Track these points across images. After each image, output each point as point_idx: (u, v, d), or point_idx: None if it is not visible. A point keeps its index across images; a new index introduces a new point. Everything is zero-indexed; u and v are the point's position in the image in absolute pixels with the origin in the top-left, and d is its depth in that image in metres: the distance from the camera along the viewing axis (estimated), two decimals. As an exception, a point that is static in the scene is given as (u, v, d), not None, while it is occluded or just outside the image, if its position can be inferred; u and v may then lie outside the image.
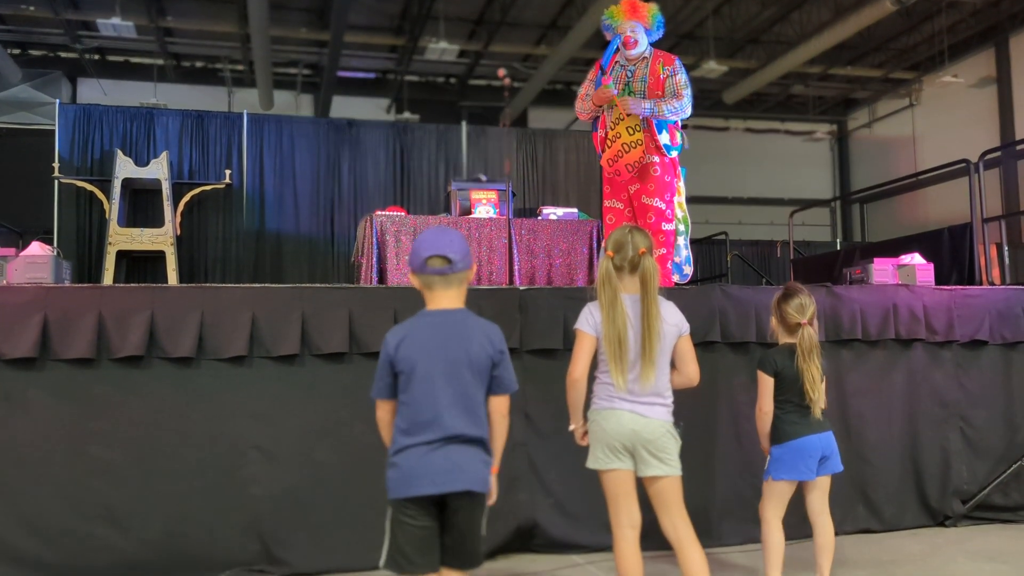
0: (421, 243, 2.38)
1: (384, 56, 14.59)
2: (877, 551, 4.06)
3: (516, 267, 6.28)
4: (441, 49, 12.17)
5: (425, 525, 2.24)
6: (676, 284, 4.83)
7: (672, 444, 2.79)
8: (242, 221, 8.95)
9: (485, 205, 6.81)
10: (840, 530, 4.19)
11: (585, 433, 2.89)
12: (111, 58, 14.26)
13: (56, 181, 8.33)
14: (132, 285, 3.91)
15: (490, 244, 6.45)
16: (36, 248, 4.47)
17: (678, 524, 2.77)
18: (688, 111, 4.69)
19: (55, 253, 4.54)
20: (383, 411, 2.40)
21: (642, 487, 2.80)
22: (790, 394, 3.26)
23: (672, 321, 2.84)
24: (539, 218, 6.93)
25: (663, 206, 4.73)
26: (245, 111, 9.43)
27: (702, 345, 4.01)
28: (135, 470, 3.64)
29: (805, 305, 3.28)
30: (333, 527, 3.77)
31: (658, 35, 4.81)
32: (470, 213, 6.77)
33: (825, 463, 3.27)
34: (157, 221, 8.13)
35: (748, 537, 3.94)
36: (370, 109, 14.91)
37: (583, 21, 11.58)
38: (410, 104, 14.49)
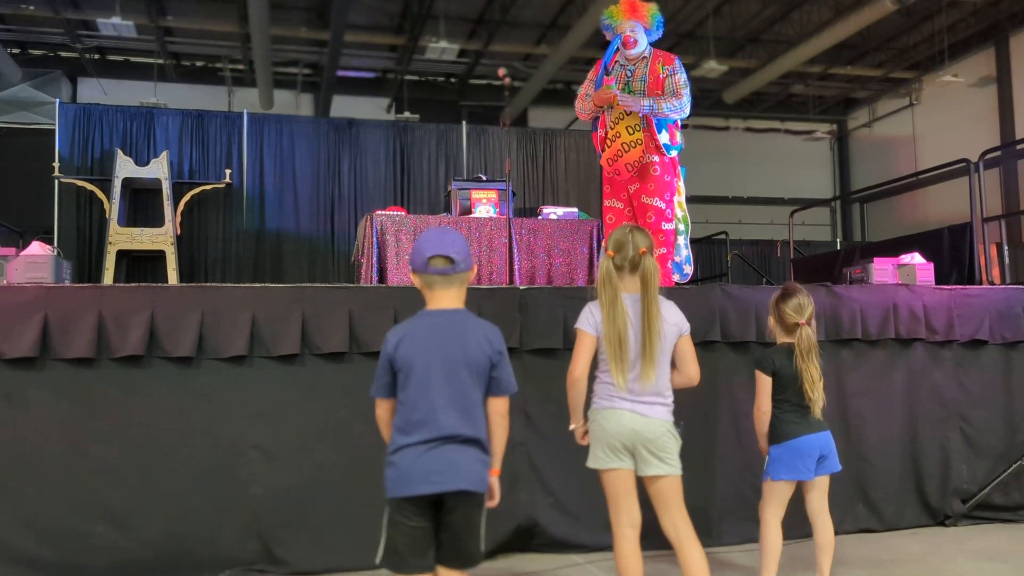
0: (423, 243, 2.39)
1: (384, 55, 14.58)
2: (877, 550, 4.06)
3: (516, 267, 6.28)
4: (441, 48, 12.16)
5: (420, 525, 2.25)
6: (676, 284, 4.83)
7: (672, 443, 2.79)
8: (242, 221, 8.96)
9: (485, 205, 6.81)
10: (840, 529, 4.19)
11: (585, 432, 2.89)
12: (111, 57, 14.25)
13: (56, 181, 8.34)
14: (132, 285, 3.92)
15: (490, 244, 6.45)
16: (36, 248, 4.47)
17: (678, 523, 2.77)
18: (687, 110, 4.69)
19: (55, 253, 4.54)
20: (382, 410, 2.40)
21: (642, 486, 2.81)
22: (788, 394, 3.26)
23: (672, 321, 2.84)
24: (539, 218, 6.93)
25: (663, 205, 4.73)
26: (245, 111, 9.43)
27: (702, 345, 4.02)
28: (135, 470, 3.64)
29: (803, 305, 3.28)
30: (333, 527, 3.77)
31: (658, 35, 4.81)
32: (470, 212, 6.77)
33: (823, 463, 3.28)
34: (157, 221, 8.13)
35: (748, 536, 3.94)
36: (370, 108, 14.91)
37: (583, 21, 11.57)
38: (410, 103, 14.48)
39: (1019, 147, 12.74)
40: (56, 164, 8.31)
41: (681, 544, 2.76)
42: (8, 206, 10.35)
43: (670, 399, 2.85)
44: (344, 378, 3.86)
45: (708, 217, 14.99)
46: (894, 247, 6.49)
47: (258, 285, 4.00)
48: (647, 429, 2.75)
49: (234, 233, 8.95)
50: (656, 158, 4.71)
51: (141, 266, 8.42)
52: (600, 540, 3.82)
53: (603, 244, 3.00)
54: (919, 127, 15.98)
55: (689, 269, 5.04)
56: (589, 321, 2.82)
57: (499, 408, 2.39)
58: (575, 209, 7.21)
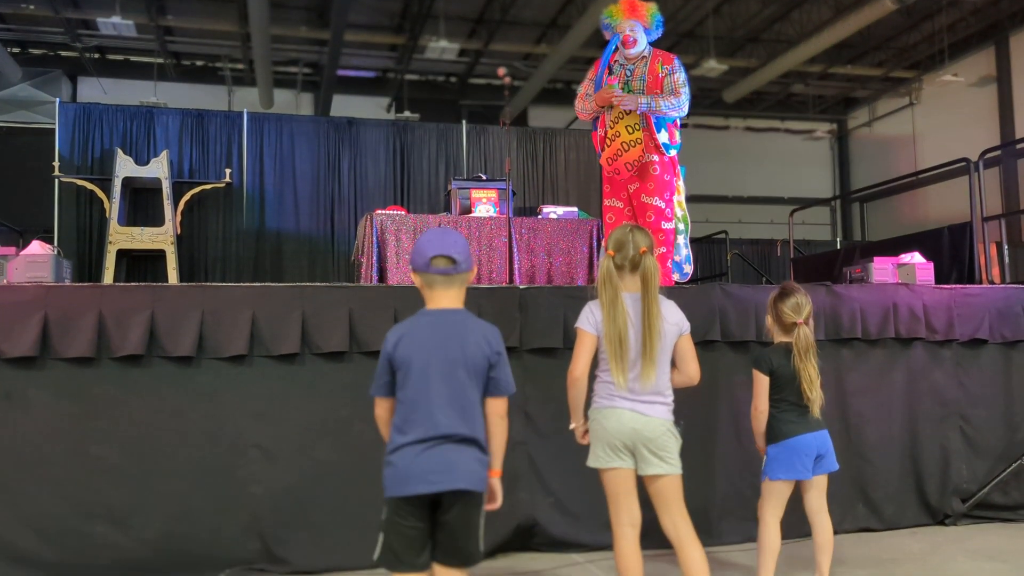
0: (425, 243, 2.39)
1: (384, 55, 14.58)
2: (877, 550, 4.06)
3: (516, 266, 6.28)
4: (441, 48, 12.16)
5: (416, 525, 2.26)
6: (676, 283, 4.83)
7: (672, 443, 2.79)
8: (242, 220, 8.96)
9: (485, 204, 6.81)
10: (840, 529, 4.20)
11: (585, 432, 2.89)
12: (111, 57, 14.25)
13: (56, 180, 8.33)
14: (132, 284, 3.92)
15: (490, 243, 6.45)
16: (36, 247, 4.47)
17: (678, 523, 2.77)
18: (685, 109, 4.69)
19: (55, 252, 4.54)
20: (382, 409, 2.41)
21: (642, 486, 2.81)
22: (786, 393, 3.26)
23: (673, 320, 2.84)
24: (539, 217, 6.93)
25: (663, 205, 4.73)
26: (245, 110, 9.43)
27: (702, 344, 4.02)
28: (135, 469, 3.64)
29: (801, 304, 3.28)
30: (333, 526, 3.77)
31: (657, 34, 4.81)
32: (470, 212, 6.77)
33: (821, 462, 3.27)
34: (157, 220, 8.13)
35: (748, 536, 3.94)
36: (370, 108, 14.91)
37: (583, 20, 11.58)
38: (410, 103, 14.49)
39: (1019, 146, 12.74)
40: (56, 163, 8.31)
41: (681, 543, 2.76)
42: (8, 205, 10.35)
43: (670, 398, 2.85)
44: (344, 377, 3.86)
45: (708, 216, 15.00)
46: (894, 246, 6.50)
47: (258, 284, 4.00)
48: (647, 428, 2.75)
49: (234, 232, 8.95)
50: (655, 157, 4.71)
51: (141, 265, 8.42)
52: (600, 539, 3.82)
53: (603, 243, 3.00)
54: (919, 126, 15.98)
55: (689, 268, 5.04)
56: (589, 320, 2.82)
57: (497, 409, 2.39)
58: (575, 208, 7.21)
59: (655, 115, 4.67)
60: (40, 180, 8.94)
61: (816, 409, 3.24)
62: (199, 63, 14.69)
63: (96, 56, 14.01)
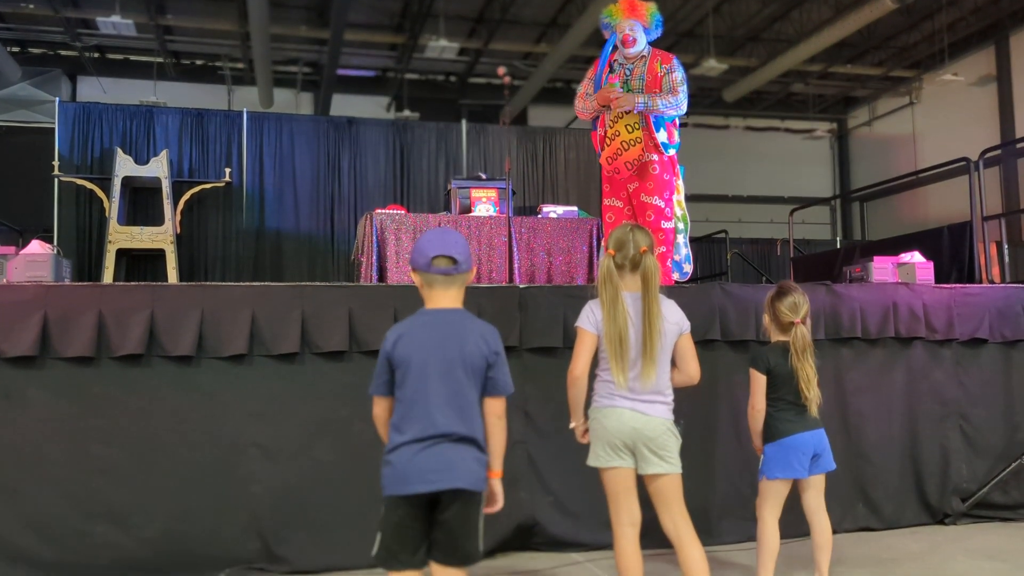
0: (427, 242, 2.40)
1: (384, 54, 14.58)
2: (877, 549, 4.06)
3: (516, 265, 6.28)
4: (441, 47, 12.16)
5: (413, 524, 2.26)
6: (676, 282, 4.83)
7: (673, 442, 2.79)
8: (242, 219, 8.95)
9: (485, 203, 6.81)
10: (840, 528, 4.20)
11: (585, 431, 2.89)
12: (111, 56, 14.24)
13: (56, 179, 8.33)
14: (132, 283, 3.91)
15: (490, 242, 6.44)
16: (36, 246, 4.47)
17: (678, 522, 2.77)
18: (684, 107, 4.69)
19: (55, 251, 4.54)
20: (380, 408, 2.41)
21: (642, 485, 2.81)
22: (783, 392, 3.26)
23: (673, 319, 2.84)
24: (539, 216, 6.93)
25: (662, 204, 4.73)
26: (245, 109, 9.43)
27: (702, 343, 4.02)
28: (135, 468, 3.64)
29: (799, 304, 3.27)
30: (333, 525, 3.77)
31: (656, 34, 4.81)
32: (470, 211, 6.77)
33: (817, 461, 3.27)
34: (157, 219, 8.13)
35: (748, 535, 3.93)
36: (370, 107, 14.90)
37: (583, 19, 11.57)
38: (410, 102, 14.49)
39: (1019, 146, 12.74)
40: (56, 163, 8.31)
41: (681, 542, 2.76)
42: (8, 205, 10.34)
43: (670, 397, 2.85)
44: (344, 377, 3.86)
45: (708, 216, 15.00)
46: (894, 246, 6.49)
47: (258, 284, 4.00)
48: (648, 427, 2.75)
49: (234, 232, 8.95)
50: (655, 157, 4.71)
51: (141, 265, 8.42)
52: (600, 539, 3.83)
53: (603, 243, 3.00)
54: (919, 126, 15.98)
55: (689, 268, 5.04)
56: (590, 319, 2.83)
57: (495, 409, 2.39)
58: (575, 208, 7.21)
59: (653, 114, 4.67)
60: (40, 179, 8.93)
61: (814, 408, 3.24)
62: (199, 62, 14.68)
63: (96, 55, 14.01)
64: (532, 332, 4.09)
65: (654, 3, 4.79)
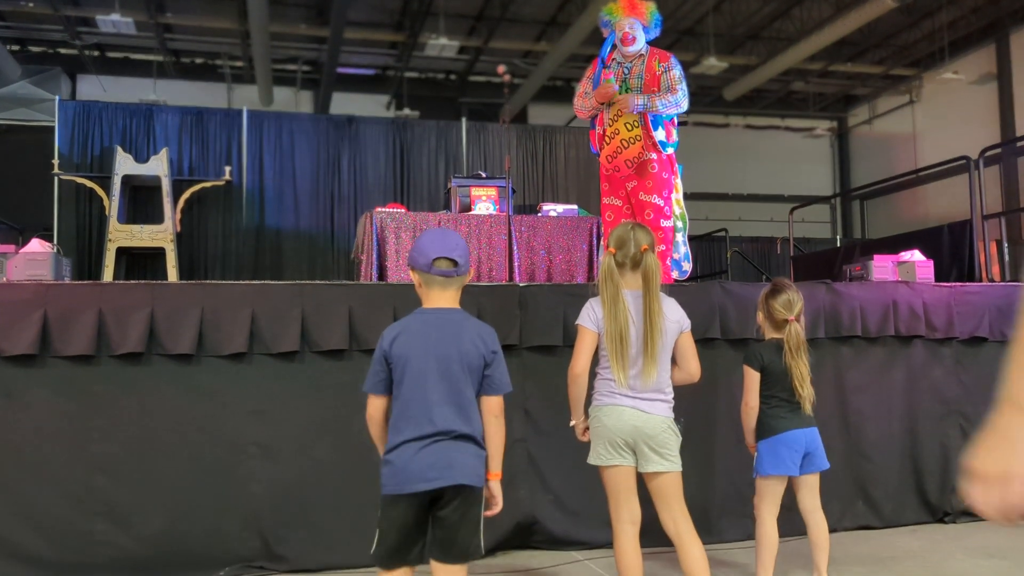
0: (428, 243, 2.40)
1: (384, 52, 14.57)
2: (876, 547, 4.07)
3: (516, 264, 6.28)
4: (441, 45, 12.15)
5: (412, 522, 2.27)
6: (676, 281, 4.83)
7: (673, 440, 2.80)
8: (242, 218, 8.95)
9: (485, 202, 6.81)
10: (840, 526, 4.20)
11: (586, 429, 2.89)
12: (111, 54, 14.23)
13: (56, 178, 8.33)
14: (132, 282, 3.91)
15: (490, 241, 6.44)
16: (36, 245, 4.47)
17: (678, 520, 2.78)
18: (684, 105, 4.69)
19: (55, 250, 4.54)
20: (374, 407, 2.40)
21: (642, 483, 2.81)
22: (776, 389, 3.26)
23: (673, 318, 2.84)
24: (539, 215, 6.92)
25: (661, 203, 4.73)
26: (245, 108, 9.42)
27: (702, 341, 4.02)
28: (135, 467, 3.64)
29: (793, 301, 3.27)
30: (333, 524, 3.77)
31: (655, 33, 4.82)
32: (470, 210, 6.77)
33: (810, 459, 3.25)
34: (157, 218, 8.13)
35: (748, 533, 3.94)
36: (370, 105, 14.89)
37: (583, 17, 11.56)
38: (410, 100, 14.48)
39: (1019, 144, 12.73)
40: (56, 161, 8.30)
41: (681, 540, 2.76)
42: (7, 203, 10.34)
43: (671, 395, 2.85)
44: (344, 375, 3.86)
45: (708, 214, 14.99)
46: (894, 244, 6.50)
47: (258, 282, 4.00)
48: (648, 425, 2.76)
49: (234, 230, 8.95)
50: (653, 155, 4.71)
51: (141, 263, 8.42)
52: (600, 537, 3.83)
53: (603, 241, 3.00)
54: (919, 124, 15.98)
55: (688, 266, 5.04)
56: (590, 317, 2.83)
57: (493, 407, 2.40)
58: (575, 206, 7.20)
59: (653, 114, 4.67)
60: (39, 178, 8.92)
61: (807, 406, 3.24)
62: (198, 61, 14.67)
63: (96, 54, 14.00)
64: (532, 331, 4.09)
65: (654, 2, 4.79)
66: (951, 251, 6.26)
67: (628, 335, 2.75)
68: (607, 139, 4.78)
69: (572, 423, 2.92)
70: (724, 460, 4.21)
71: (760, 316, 3.41)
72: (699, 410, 4.03)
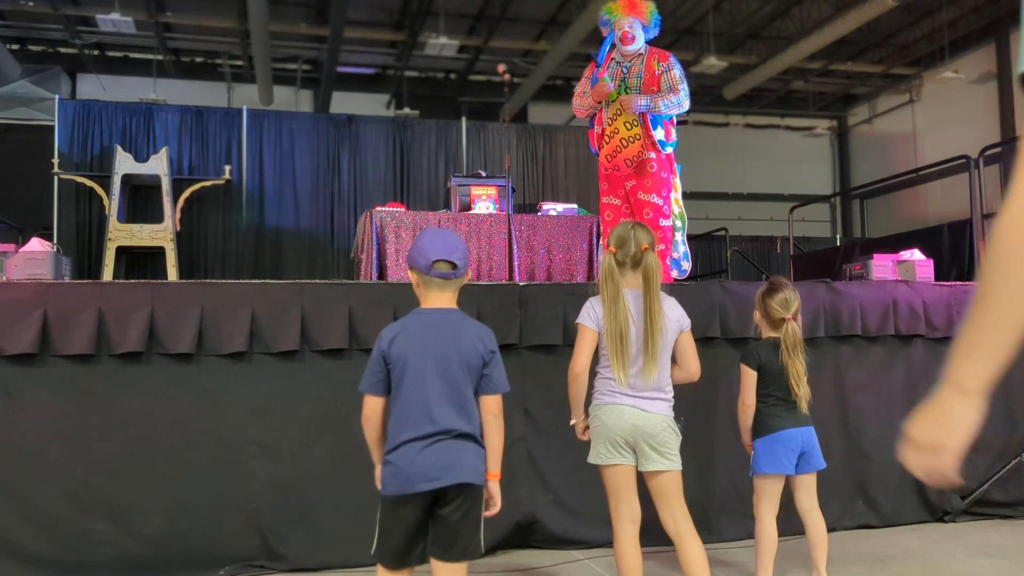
0: (428, 244, 2.39)
1: (384, 52, 14.56)
2: (876, 546, 4.07)
3: (516, 263, 6.28)
4: (441, 44, 12.14)
5: (412, 522, 2.27)
6: (675, 280, 4.83)
7: (673, 439, 2.80)
8: (242, 217, 8.95)
9: (485, 201, 6.81)
10: (839, 525, 4.21)
11: (586, 428, 2.89)
12: (110, 53, 14.22)
13: (56, 177, 8.33)
14: (132, 281, 3.92)
15: (490, 240, 6.44)
16: (36, 244, 4.47)
17: (678, 519, 2.78)
18: (686, 105, 4.69)
19: (55, 249, 4.54)
20: (371, 408, 2.39)
21: (642, 482, 2.81)
22: (773, 388, 3.25)
23: (674, 317, 2.84)
24: (539, 214, 6.93)
25: (660, 202, 4.73)
26: (245, 107, 9.42)
27: (702, 340, 4.01)
28: (135, 466, 3.64)
29: (790, 300, 3.27)
30: (333, 523, 3.77)
31: (654, 33, 4.83)
32: (470, 209, 6.77)
33: (806, 459, 3.25)
34: (157, 217, 8.13)
35: (748, 532, 3.93)
36: (370, 105, 14.88)
37: (583, 17, 11.56)
38: (410, 100, 14.47)
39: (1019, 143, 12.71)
40: (56, 160, 8.30)
41: (681, 539, 2.76)
42: (7, 202, 10.34)
43: (671, 394, 2.85)
44: (344, 374, 3.86)
45: (708, 213, 14.98)
46: (894, 243, 6.50)
47: (258, 281, 4.00)
48: (648, 424, 2.76)
49: (234, 229, 8.95)
50: (652, 154, 4.71)
51: (141, 262, 8.42)
52: (600, 536, 3.83)
53: (602, 240, 3.00)
54: (919, 123, 15.97)
55: (687, 265, 5.05)
56: (591, 316, 2.83)
57: (491, 407, 2.40)
58: (575, 205, 7.21)
59: (655, 114, 4.67)
60: (39, 177, 8.93)
61: (803, 405, 3.23)
62: (198, 60, 14.67)
63: (95, 53, 13.99)
64: (532, 330, 4.09)
65: (653, 2, 4.80)
66: (951, 250, 6.27)
67: (628, 334, 2.75)
68: (606, 138, 4.78)
69: (572, 422, 2.92)
70: (724, 459, 4.21)
71: (757, 315, 3.41)
72: (699, 409, 4.03)
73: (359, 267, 6.45)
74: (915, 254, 5.10)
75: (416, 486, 2.24)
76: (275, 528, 3.74)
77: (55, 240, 8.07)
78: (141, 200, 8.48)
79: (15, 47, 13.25)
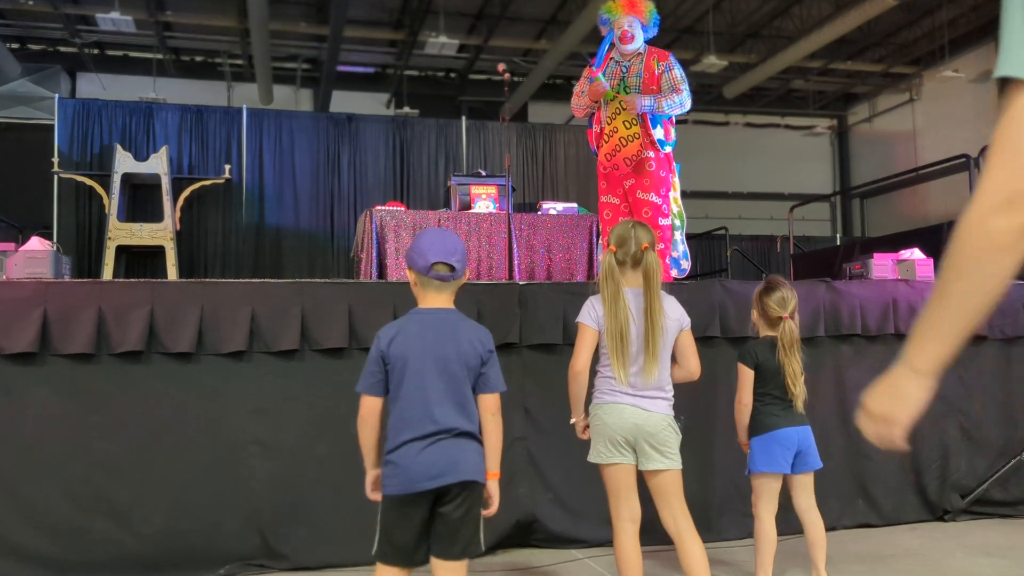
0: (427, 245, 2.39)
1: (384, 51, 14.55)
2: (876, 545, 4.07)
3: (516, 262, 6.28)
4: (441, 44, 12.14)
5: (415, 521, 2.27)
6: (675, 279, 4.83)
7: (673, 438, 2.80)
8: (242, 216, 8.95)
9: (485, 200, 6.81)
10: (839, 524, 4.21)
11: (586, 427, 2.89)
12: (110, 52, 14.21)
13: (56, 176, 8.33)
14: (132, 280, 3.91)
15: (489, 239, 6.44)
16: (36, 243, 4.47)
17: (678, 517, 2.78)
18: (688, 105, 4.70)
19: (55, 248, 4.54)
20: (367, 408, 2.38)
21: (642, 481, 2.81)
22: (770, 387, 3.25)
23: (674, 316, 2.84)
24: (539, 213, 6.93)
25: (659, 201, 4.73)
26: (244, 106, 9.42)
27: (702, 340, 4.01)
28: (135, 465, 3.65)
29: (787, 299, 3.27)
30: (333, 522, 3.77)
31: (653, 32, 4.83)
32: (470, 208, 6.77)
33: (802, 459, 3.25)
34: (157, 216, 8.13)
35: (747, 531, 3.93)
36: (370, 104, 14.87)
37: (583, 16, 11.55)
38: (410, 99, 14.46)
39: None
40: (55, 159, 8.30)
41: (681, 538, 2.77)
42: (7, 201, 10.33)
43: (671, 393, 2.85)
44: (343, 373, 3.85)
45: (708, 212, 14.98)
46: (894, 242, 6.50)
47: (257, 280, 4.00)
48: (649, 423, 2.76)
49: (233, 229, 8.95)
50: (651, 154, 4.71)
51: (140, 262, 8.42)
52: (600, 535, 3.83)
53: (602, 239, 3.00)
54: (919, 122, 15.97)
55: (687, 264, 5.04)
56: (591, 315, 2.83)
57: (490, 405, 2.40)
58: (575, 204, 7.21)
59: (659, 114, 4.67)
60: (39, 176, 8.92)
61: (799, 404, 3.24)
62: (198, 59, 14.66)
63: (95, 52, 13.98)
64: (532, 329, 4.09)
65: (652, 2, 4.80)
66: (951, 249, 6.26)
67: (629, 333, 2.75)
68: (605, 137, 4.78)
69: (572, 421, 2.92)
70: (724, 458, 4.21)
71: (754, 314, 3.41)
72: (699, 408, 4.03)
73: (359, 266, 6.45)
74: (915, 253, 5.10)
75: (418, 485, 2.24)
76: (275, 527, 3.74)
77: (55, 239, 8.07)
78: (141, 199, 8.48)
79: (15, 46, 13.24)
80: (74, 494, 3.58)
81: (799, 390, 3.22)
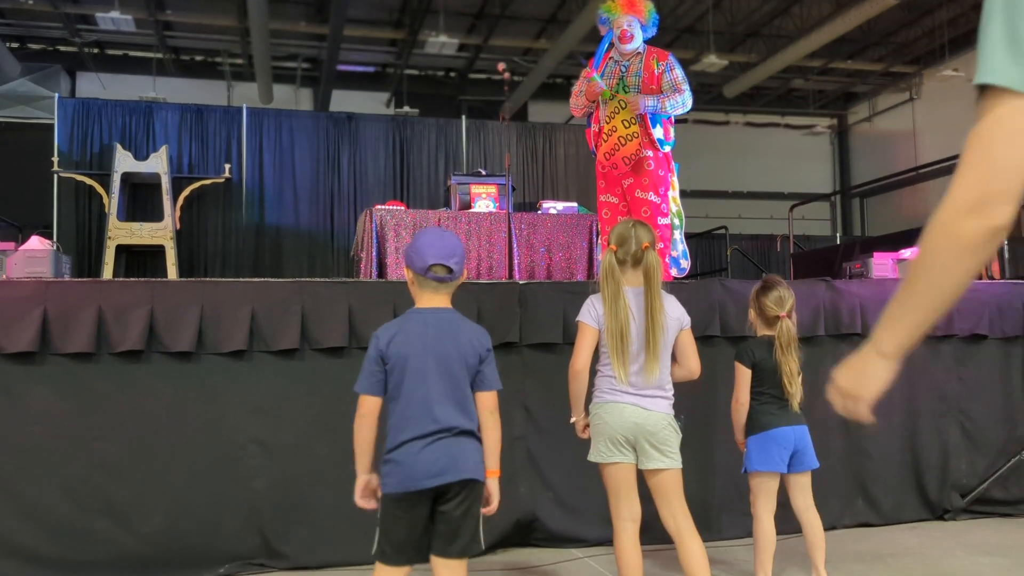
0: (426, 246, 2.39)
1: (384, 50, 14.55)
2: (876, 544, 4.07)
3: (516, 261, 6.28)
4: (441, 43, 12.13)
5: (415, 520, 2.28)
6: (675, 278, 4.83)
7: (673, 437, 2.80)
8: (242, 215, 8.95)
9: (485, 199, 6.81)
10: (839, 523, 4.21)
11: (586, 426, 2.89)
12: (110, 52, 14.21)
13: (55, 175, 8.33)
14: (131, 279, 3.91)
15: (489, 238, 6.44)
16: (35, 242, 4.47)
17: (678, 517, 2.78)
18: (689, 104, 4.70)
19: (54, 248, 4.54)
20: (366, 407, 2.36)
21: (642, 480, 2.81)
22: (767, 386, 3.26)
23: (674, 315, 2.85)
24: (539, 212, 6.93)
25: (658, 200, 4.73)
26: (244, 105, 9.42)
27: (702, 339, 4.01)
28: (135, 464, 3.64)
29: (784, 298, 3.27)
30: (333, 521, 3.77)
31: (652, 32, 4.83)
32: (470, 207, 6.77)
33: (799, 458, 3.25)
34: (156, 215, 8.13)
35: (747, 531, 3.93)
36: (370, 103, 14.87)
37: (583, 15, 11.54)
38: (410, 98, 14.45)
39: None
40: (55, 159, 8.30)
41: (681, 537, 2.77)
42: (7, 201, 10.33)
43: (671, 392, 2.85)
44: (343, 373, 3.85)
45: (708, 212, 14.97)
46: (894, 242, 6.50)
47: (257, 280, 4.00)
48: (649, 422, 2.76)
49: (233, 228, 8.95)
50: (650, 153, 4.71)
51: (140, 261, 8.43)
52: (600, 534, 3.83)
53: (601, 239, 3.00)
54: (919, 121, 15.97)
55: (687, 264, 5.04)
56: (591, 314, 2.83)
57: (488, 403, 2.40)
58: (575, 204, 7.21)
59: (661, 115, 4.67)
60: (39, 175, 8.92)
61: (796, 403, 3.24)
62: (198, 58, 14.66)
63: (95, 51, 13.97)
64: (532, 328, 4.09)
65: (652, 1, 4.80)
66: (951, 249, 6.26)
67: (629, 332, 2.75)
68: (603, 136, 4.78)
69: (572, 420, 2.92)
70: (724, 457, 4.20)
71: (752, 313, 3.41)
72: (699, 407, 4.03)
73: (359, 265, 6.46)
74: (915, 252, 5.11)
75: (419, 483, 2.24)
76: (275, 526, 3.74)
77: (55, 238, 8.07)
78: (141, 198, 8.48)
79: (15, 45, 13.24)
80: (74, 493, 3.58)
81: (796, 389, 3.22)
